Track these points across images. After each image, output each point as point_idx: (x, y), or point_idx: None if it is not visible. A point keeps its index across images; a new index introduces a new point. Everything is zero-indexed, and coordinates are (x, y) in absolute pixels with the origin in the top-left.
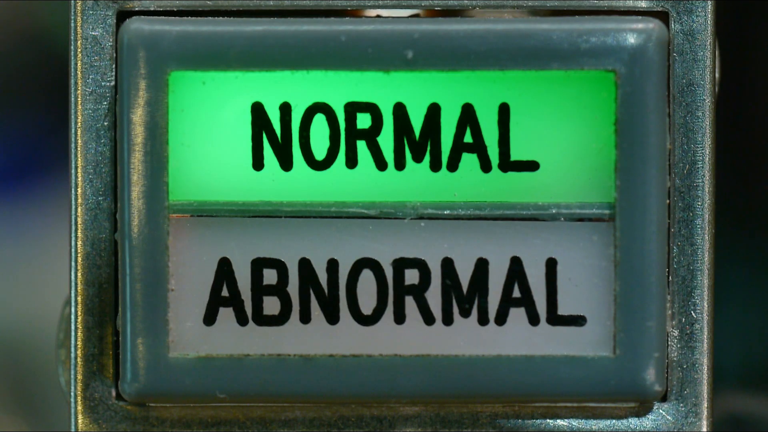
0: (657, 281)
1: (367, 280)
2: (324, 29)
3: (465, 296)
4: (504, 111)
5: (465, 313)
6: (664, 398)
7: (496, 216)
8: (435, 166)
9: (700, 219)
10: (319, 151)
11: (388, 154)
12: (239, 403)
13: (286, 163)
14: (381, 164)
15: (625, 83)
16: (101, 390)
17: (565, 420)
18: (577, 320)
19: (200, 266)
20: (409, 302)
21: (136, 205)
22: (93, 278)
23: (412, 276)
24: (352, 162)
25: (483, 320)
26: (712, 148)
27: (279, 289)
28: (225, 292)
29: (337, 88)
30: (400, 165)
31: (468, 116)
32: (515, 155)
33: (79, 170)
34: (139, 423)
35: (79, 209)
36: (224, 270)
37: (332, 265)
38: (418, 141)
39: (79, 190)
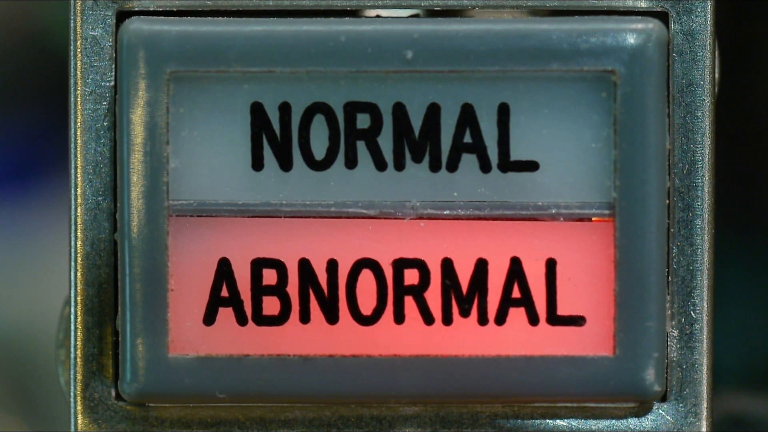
0: (657, 281)
1: (366, 280)
2: (324, 29)
3: (464, 296)
4: (503, 111)
5: (465, 313)
6: (663, 398)
7: (496, 216)
8: (434, 166)
9: (699, 219)
10: (319, 151)
11: (388, 155)
12: (239, 403)
13: (285, 164)
14: (380, 164)
15: (625, 83)
16: (101, 390)
17: (565, 420)
18: (577, 320)
19: (200, 266)
20: (409, 302)
21: (136, 205)
22: (93, 278)
23: (411, 276)
24: (351, 162)
25: (483, 320)
26: (712, 148)
27: (279, 289)
28: (225, 292)
29: (337, 88)
30: (399, 165)
31: (467, 116)
32: (515, 155)
33: (79, 170)
34: (138, 423)
35: (79, 209)
36: (224, 270)
37: (332, 266)
38: (418, 141)
39: (79, 190)
